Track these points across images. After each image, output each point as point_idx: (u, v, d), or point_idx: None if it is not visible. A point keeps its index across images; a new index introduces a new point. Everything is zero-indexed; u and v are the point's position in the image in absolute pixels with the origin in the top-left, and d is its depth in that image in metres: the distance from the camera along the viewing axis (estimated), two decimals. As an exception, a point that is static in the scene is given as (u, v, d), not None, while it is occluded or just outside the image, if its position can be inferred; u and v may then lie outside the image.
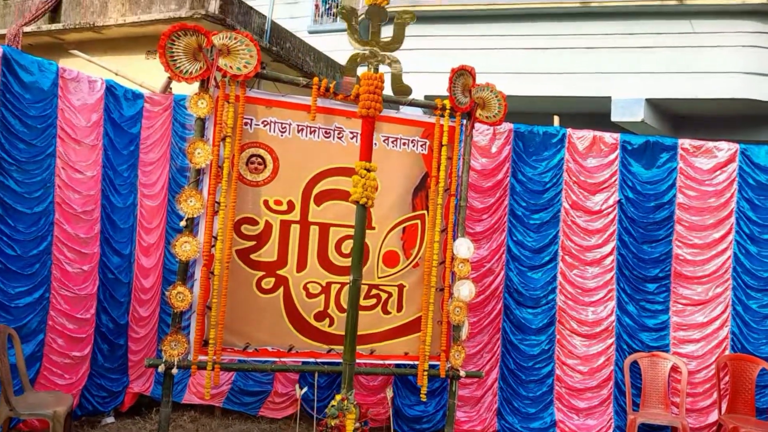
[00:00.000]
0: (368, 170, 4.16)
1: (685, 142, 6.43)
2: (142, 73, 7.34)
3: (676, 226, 6.34)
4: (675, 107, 9.42)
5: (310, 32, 15.17)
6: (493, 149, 6.38)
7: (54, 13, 9.12)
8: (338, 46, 13.52)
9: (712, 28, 8.70)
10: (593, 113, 9.06)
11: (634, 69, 8.90)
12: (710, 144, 6.40)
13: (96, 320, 5.60)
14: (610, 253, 6.31)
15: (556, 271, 6.34)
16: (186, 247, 4.80)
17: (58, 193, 5.19)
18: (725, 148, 6.39)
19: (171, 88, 6.17)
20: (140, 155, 5.82)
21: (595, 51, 9.04)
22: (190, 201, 4.83)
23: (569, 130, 6.46)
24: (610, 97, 8.97)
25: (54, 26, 8.96)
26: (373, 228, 5.36)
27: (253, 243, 5.11)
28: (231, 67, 4.85)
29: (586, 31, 9.08)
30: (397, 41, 4.39)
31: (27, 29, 8.95)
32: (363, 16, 4.81)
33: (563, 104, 9.21)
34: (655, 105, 9.16)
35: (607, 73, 8.98)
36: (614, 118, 8.97)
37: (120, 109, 5.62)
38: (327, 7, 15.91)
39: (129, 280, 5.83)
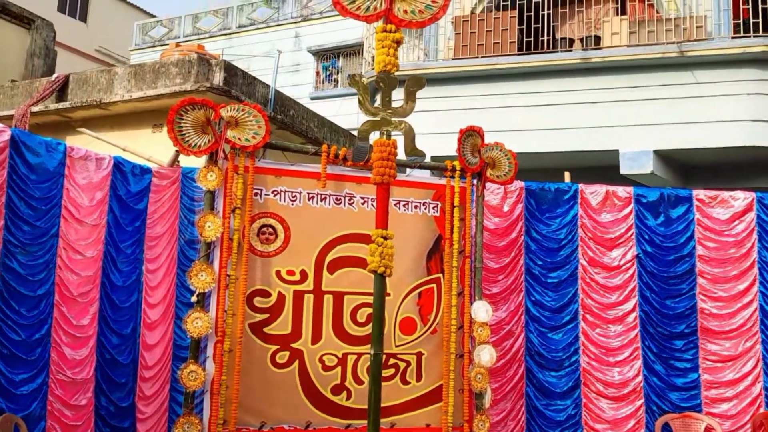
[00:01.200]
0: (385, 238, 4.05)
1: (700, 193, 6.33)
2: (149, 146, 7.34)
3: (699, 278, 6.17)
4: (683, 157, 9.39)
5: (312, 98, 15.41)
6: (506, 208, 6.28)
7: (61, 92, 9.23)
8: (340, 111, 13.71)
9: (714, 78, 8.74)
10: (602, 166, 9.02)
11: (640, 121, 8.90)
12: (726, 194, 6.30)
13: (95, 403, 5.35)
14: (633, 310, 6.13)
15: (577, 331, 6.14)
16: (197, 324, 4.68)
17: (59, 273, 5.06)
18: (741, 197, 6.29)
19: (179, 161, 6.12)
20: (146, 230, 5.73)
21: (599, 105, 9.08)
22: (201, 275, 4.73)
23: (581, 186, 6.38)
24: (617, 150, 8.93)
25: (61, 105, 9.05)
26: (389, 294, 5.17)
27: (266, 316, 4.97)
28: (239, 138, 4.83)
29: (589, 86, 9.15)
30: (408, 107, 4.38)
31: (35, 109, 9.03)
32: (371, 78, 4.80)
33: (572, 159, 9.18)
34: (663, 156, 9.13)
35: (612, 126, 8.99)
36: (623, 170, 8.93)
37: (127, 185, 5.55)
38: (328, 73, 16.21)
39: (131, 360, 5.60)
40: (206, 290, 4.73)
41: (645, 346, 6.09)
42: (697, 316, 6.13)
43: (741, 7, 8.99)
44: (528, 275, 6.23)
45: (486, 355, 5.23)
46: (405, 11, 4.31)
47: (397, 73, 4.53)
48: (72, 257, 5.12)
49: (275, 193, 5.06)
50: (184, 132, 4.73)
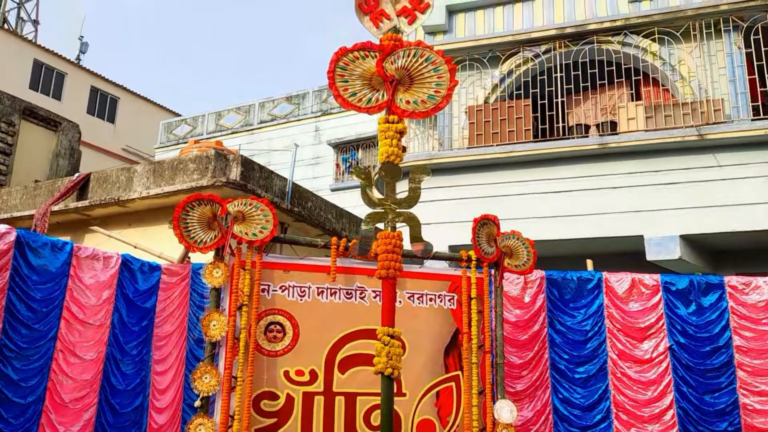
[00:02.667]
0: (392, 336, 3.82)
1: (732, 279, 6.01)
2: (164, 242, 7.27)
3: (738, 371, 5.76)
4: (711, 242, 9.05)
5: (333, 190, 15.51)
6: (527, 299, 6.01)
7: (82, 191, 9.35)
8: (360, 202, 13.69)
9: (737, 160, 8.54)
10: (627, 253, 8.73)
11: (663, 206, 8.67)
12: (760, 280, 5.97)
13: None
14: (670, 407, 5.70)
15: (611, 431, 5.70)
16: (201, 431, 4.40)
17: (52, 377, 4.84)
18: (776, 283, 5.94)
19: (189, 257, 6.02)
20: (154, 329, 5.55)
21: (619, 190, 8.89)
22: (205, 378, 4.51)
23: (605, 274, 6.11)
24: (642, 236, 8.66)
25: (81, 203, 9.13)
26: (404, 394, 4.92)
27: (273, 420, 4.69)
28: (246, 233, 4.72)
29: (608, 172, 9.00)
30: (413, 199, 4.26)
31: (55, 208, 9.13)
32: (377, 174, 4.73)
33: (594, 245, 8.91)
34: (690, 241, 8.81)
35: (635, 211, 8.76)
36: (650, 257, 8.61)
37: (135, 283, 5.43)
38: (347, 165, 16.40)
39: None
40: (210, 394, 4.50)
41: (686, 447, 5.62)
42: (740, 412, 5.67)
43: (758, 90, 8.91)
44: (554, 370, 5.88)
45: (511, 460, 4.84)
46: (407, 102, 4.27)
47: (405, 165, 4.44)
48: (69, 360, 4.92)
49: (283, 288, 4.89)
50: (190, 228, 4.65)
